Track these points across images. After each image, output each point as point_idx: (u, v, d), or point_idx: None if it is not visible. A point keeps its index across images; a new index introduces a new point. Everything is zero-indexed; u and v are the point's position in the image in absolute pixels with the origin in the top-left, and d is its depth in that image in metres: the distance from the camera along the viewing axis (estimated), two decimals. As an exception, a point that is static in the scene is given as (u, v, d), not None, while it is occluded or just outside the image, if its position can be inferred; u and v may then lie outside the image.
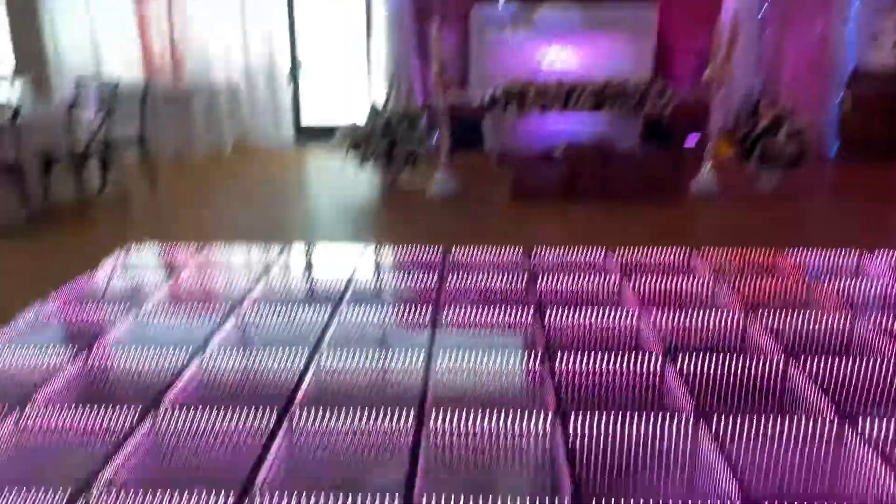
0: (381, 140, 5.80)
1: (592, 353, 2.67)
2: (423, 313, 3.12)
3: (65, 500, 1.86)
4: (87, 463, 2.02)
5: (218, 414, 2.29)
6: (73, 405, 2.34)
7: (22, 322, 3.09)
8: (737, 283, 3.41)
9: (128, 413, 2.28)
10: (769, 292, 3.41)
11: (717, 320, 3.05)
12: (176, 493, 1.88)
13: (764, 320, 2.94)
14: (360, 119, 6.03)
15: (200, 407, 2.31)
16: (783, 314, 3.02)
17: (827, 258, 3.87)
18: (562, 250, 3.94)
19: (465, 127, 7.16)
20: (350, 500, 1.84)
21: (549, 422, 2.20)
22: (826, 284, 3.39)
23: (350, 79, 8.37)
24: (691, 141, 6.91)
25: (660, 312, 3.06)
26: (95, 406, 2.33)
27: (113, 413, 2.30)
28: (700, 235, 4.72)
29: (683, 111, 5.96)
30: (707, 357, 2.62)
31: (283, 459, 2.10)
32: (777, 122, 5.56)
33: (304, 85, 8.56)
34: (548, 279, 3.51)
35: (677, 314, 3.06)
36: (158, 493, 1.89)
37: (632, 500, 1.83)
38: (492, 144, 7.51)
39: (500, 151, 7.40)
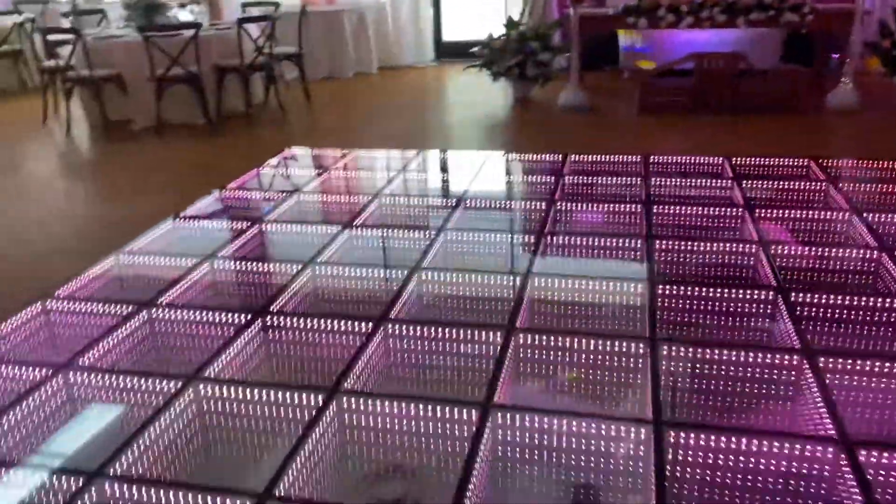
0: (515, 55, 6.07)
1: (692, 241, 2.92)
2: (538, 206, 3.46)
3: (245, 320, 2.42)
4: (261, 298, 2.59)
5: (360, 272, 2.81)
6: (250, 260, 2.94)
7: (204, 204, 3.74)
8: (850, 189, 3.48)
9: (291, 267, 2.84)
10: (881, 198, 3.47)
11: (821, 219, 3.18)
12: (322, 320, 2.39)
13: (868, 221, 3.05)
14: (496, 34, 6.30)
15: (346, 266, 2.84)
16: (890, 217, 3.10)
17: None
18: (679, 158, 4.12)
19: (598, 43, 7.24)
20: (462, 332, 2.28)
21: (641, 289, 2.52)
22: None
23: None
24: (833, 57, 6.63)
25: (764, 211, 3.23)
26: (267, 263, 2.91)
27: (280, 267, 2.87)
28: (829, 147, 4.69)
29: (826, 25, 5.74)
30: (802, 249, 2.81)
31: (411, 303, 2.57)
32: (929, 33, 5.29)
33: (444, 1, 8.87)
34: (660, 181, 3.73)
35: (782, 213, 3.22)
36: (310, 320, 2.41)
37: (701, 348, 2.14)
38: (624, 60, 7.54)
39: (631, 67, 7.43)
